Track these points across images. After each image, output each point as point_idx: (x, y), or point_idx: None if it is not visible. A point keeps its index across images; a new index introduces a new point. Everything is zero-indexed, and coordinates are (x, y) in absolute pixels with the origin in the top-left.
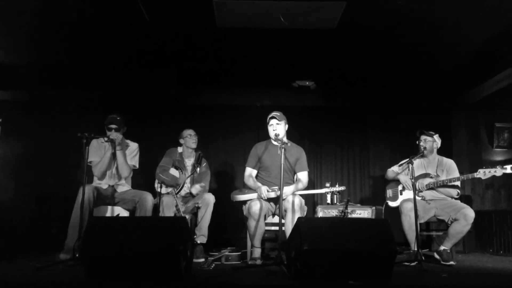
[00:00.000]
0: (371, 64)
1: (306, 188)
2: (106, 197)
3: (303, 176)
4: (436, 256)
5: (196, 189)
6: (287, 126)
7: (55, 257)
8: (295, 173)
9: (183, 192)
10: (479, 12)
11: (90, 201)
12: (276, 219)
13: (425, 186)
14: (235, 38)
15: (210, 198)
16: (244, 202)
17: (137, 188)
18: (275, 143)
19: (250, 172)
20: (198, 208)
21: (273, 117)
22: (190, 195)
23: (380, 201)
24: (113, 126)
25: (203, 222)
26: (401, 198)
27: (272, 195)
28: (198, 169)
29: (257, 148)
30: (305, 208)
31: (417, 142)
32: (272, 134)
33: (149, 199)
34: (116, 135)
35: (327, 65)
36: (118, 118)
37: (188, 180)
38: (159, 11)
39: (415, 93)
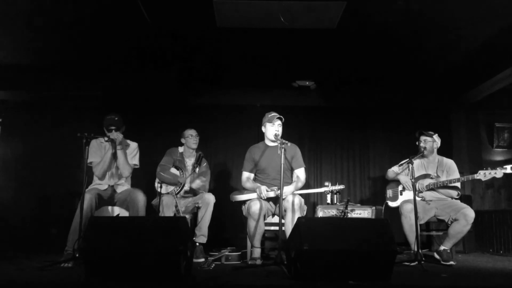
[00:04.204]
0: (371, 64)
1: (306, 187)
2: (107, 199)
3: (300, 173)
4: (436, 256)
5: (197, 184)
6: None
7: (55, 258)
8: (292, 171)
9: (182, 192)
10: (479, 12)
11: (92, 208)
12: (275, 219)
13: (425, 187)
14: (235, 38)
15: (210, 198)
16: (244, 202)
17: (137, 188)
18: (271, 143)
19: (247, 176)
20: (198, 208)
21: (279, 118)
22: (191, 190)
23: (380, 201)
24: (112, 127)
25: (203, 222)
26: (401, 198)
27: (272, 194)
28: (197, 169)
29: (251, 152)
30: (305, 207)
31: (416, 143)
32: (272, 134)
33: (139, 198)
34: (116, 135)
35: (327, 65)
36: (116, 119)
37: (188, 180)
38: (159, 11)
39: (415, 93)
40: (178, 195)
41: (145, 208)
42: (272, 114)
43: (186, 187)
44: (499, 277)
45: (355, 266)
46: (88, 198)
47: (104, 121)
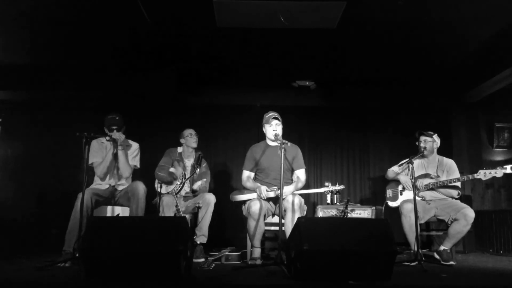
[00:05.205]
0: (371, 64)
1: (305, 187)
2: (106, 198)
3: (301, 174)
4: (436, 256)
5: (197, 185)
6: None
7: (55, 258)
8: (292, 171)
9: (183, 192)
10: (479, 12)
11: (88, 207)
12: (275, 219)
13: (425, 187)
14: (235, 38)
15: (211, 198)
16: (244, 202)
17: None
18: (272, 143)
19: (247, 175)
20: (199, 208)
21: (276, 118)
22: (192, 192)
23: (380, 201)
24: (114, 127)
25: (203, 222)
26: (401, 198)
27: (272, 194)
28: (197, 170)
29: (253, 151)
30: (305, 207)
31: (416, 143)
32: (271, 134)
33: (139, 186)
34: (119, 135)
35: (327, 65)
36: (117, 118)
37: (188, 182)
38: (159, 11)
39: (415, 93)
40: (178, 195)
41: (145, 198)
42: (269, 114)
43: (186, 189)
44: (499, 277)
45: (355, 266)
46: (85, 198)
47: (105, 121)
